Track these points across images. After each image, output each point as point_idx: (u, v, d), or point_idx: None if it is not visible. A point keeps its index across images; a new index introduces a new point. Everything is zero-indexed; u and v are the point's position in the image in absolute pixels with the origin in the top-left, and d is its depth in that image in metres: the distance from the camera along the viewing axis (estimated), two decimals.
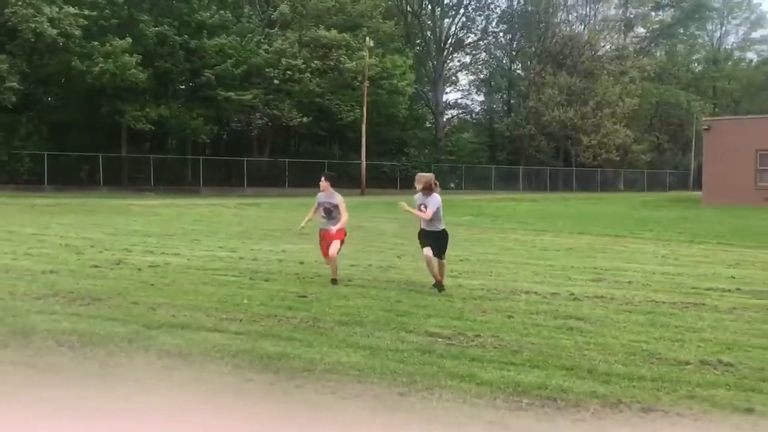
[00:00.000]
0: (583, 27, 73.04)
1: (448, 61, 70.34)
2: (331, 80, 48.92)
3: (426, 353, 6.39)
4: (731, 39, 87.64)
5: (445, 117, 71.73)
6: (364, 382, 5.59)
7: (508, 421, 4.91)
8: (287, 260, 12.50)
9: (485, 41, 72.30)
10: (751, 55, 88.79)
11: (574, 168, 67.97)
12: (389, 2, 59.94)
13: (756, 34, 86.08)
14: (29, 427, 4.85)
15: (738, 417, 5.00)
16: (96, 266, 11.33)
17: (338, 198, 10.18)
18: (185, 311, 8.00)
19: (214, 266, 11.60)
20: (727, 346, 6.81)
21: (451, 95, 75.75)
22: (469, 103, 75.90)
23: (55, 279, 10.06)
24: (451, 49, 69.20)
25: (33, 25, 38.43)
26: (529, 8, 68.90)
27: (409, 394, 5.35)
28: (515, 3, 70.44)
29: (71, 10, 39.73)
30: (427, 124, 69.12)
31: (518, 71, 72.99)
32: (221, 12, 46.96)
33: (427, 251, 9.43)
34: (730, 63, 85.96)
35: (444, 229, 9.64)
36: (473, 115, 76.27)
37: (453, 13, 68.14)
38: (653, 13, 78.06)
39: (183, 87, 50.15)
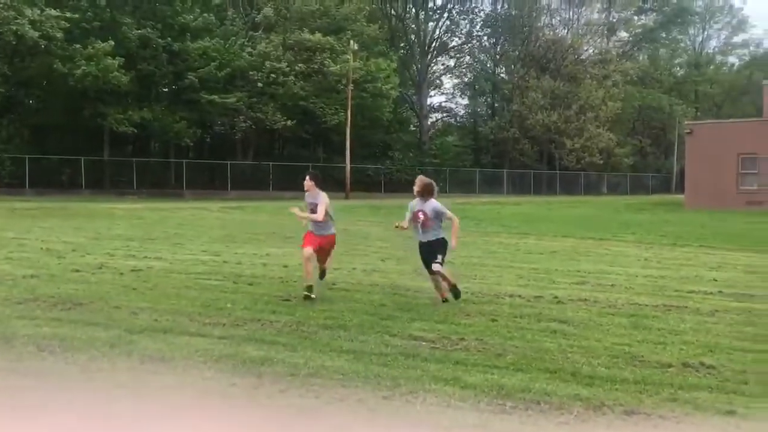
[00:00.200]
0: (566, 31, 73.43)
1: (433, 64, 70.46)
2: (315, 83, 48.88)
3: (410, 357, 6.39)
4: (713, 43, 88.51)
5: (430, 120, 71.78)
6: (348, 387, 5.59)
7: (492, 424, 4.92)
8: (271, 264, 12.47)
9: (469, 45, 72.46)
10: (732, 59, 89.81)
11: (557, 171, 68.22)
12: (373, 6, 59.98)
13: (738, 39, 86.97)
14: None
15: (720, 419, 5.03)
16: (77, 270, 11.25)
17: (321, 197, 9.28)
18: (168, 316, 7.96)
19: (198, 270, 11.55)
20: (709, 348, 6.85)
21: (435, 98, 75.96)
22: (453, 106, 76.12)
23: (36, 283, 9.98)
24: (435, 52, 69.32)
25: (14, 28, 38.18)
26: (513, 12, 69.18)
27: (393, 398, 5.35)
28: (499, 7, 70.77)
29: (53, 12, 39.50)
30: (412, 128, 69.18)
31: (502, 75, 73.24)
32: (205, 15, 46.81)
33: (436, 267, 8.61)
34: (712, 67, 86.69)
35: (444, 238, 8.80)
36: (457, 118, 76.46)
37: (437, 16, 68.29)
38: (636, 18, 78.57)
39: (166, 90, 49.90)
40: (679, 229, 23.01)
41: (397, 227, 9.02)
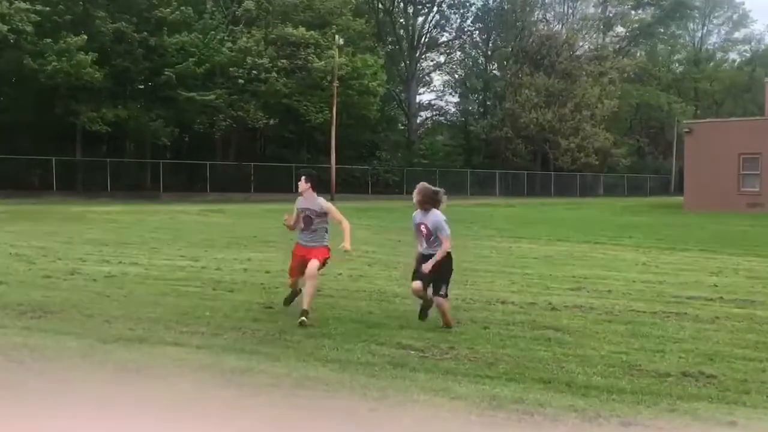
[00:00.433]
0: (561, 26, 73.73)
1: (422, 60, 70.63)
2: (298, 80, 48.87)
3: (398, 366, 6.39)
4: (713, 39, 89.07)
5: (419, 119, 71.94)
6: (333, 398, 5.58)
7: None
8: (252, 270, 12.45)
9: (460, 40, 72.70)
10: (733, 55, 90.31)
11: (552, 172, 68.44)
12: None
13: (739, 34, 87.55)
14: None
15: (721, 431, 5.06)
16: (48, 277, 11.20)
17: (324, 204, 8.35)
18: (143, 324, 7.93)
19: (175, 276, 11.52)
20: (710, 357, 6.88)
21: (424, 96, 76.01)
22: (443, 104, 76.27)
23: (4, 290, 9.92)
24: (424, 48, 69.46)
25: None
26: (506, 6, 69.40)
27: (380, 410, 5.34)
28: (491, 1, 71.01)
29: (22, 5, 39.31)
30: (400, 126, 69.27)
31: (494, 71, 73.45)
32: (182, 8, 46.64)
33: (415, 284, 7.91)
34: (712, 64, 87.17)
35: (448, 252, 7.95)
36: (448, 116, 76.60)
37: (426, 10, 68.39)
38: (633, 12, 78.96)
39: (142, 87, 49.74)
40: (678, 232, 23.13)
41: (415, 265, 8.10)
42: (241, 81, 46.87)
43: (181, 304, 9.14)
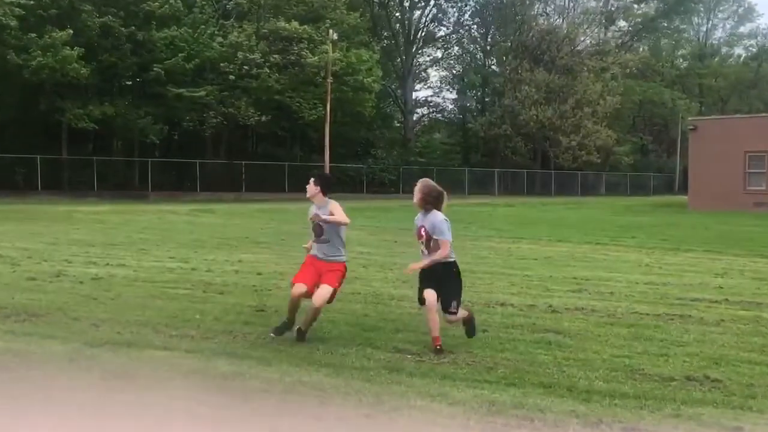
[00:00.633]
0: (561, 20, 73.86)
1: (418, 55, 70.68)
2: (291, 76, 48.85)
3: (394, 371, 6.39)
4: (718, 33, 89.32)
5: (415, 116, 72.03)
6: (327, 404, 5.57)
7: None
8: (244, 271, 12.44)
9: (458, 35, 72.81)
10: (739, 50, 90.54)
11: (552, 171, 68.56)
12: None
13: (744, 29, 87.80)
14: None
15: None
16: (33, 279, 11.18)
17: (335, 207, 7.45)
18: (131, 328, 7.92)
19: (164, 278, 11.51)
20: (715, 360, 6.89)
21: (421, 93, 76.40)
22: (440, 101, 76.38)
23: None
24: (421, 43, 69.52)
25: None
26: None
27: (375, 416, 5.34)
28: None
29: None
30: (396, 124, 69.34)
31: (493, 67, 73.54)
32: (171, 1, 46.66)
33: (429, 294, 7.08)
34: (717, 59, 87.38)
35: (453, 261, 7.26)
36: (445, 113, 76.70)
37: (423, 4, 68.52)
38: (636, 6, 79.07)
39: (129, 83, 49.72)
40: (683, 232, 23.16)
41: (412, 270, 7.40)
42: (232, 77, 46.86)
43: (170, 306, 9.13)
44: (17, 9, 39.63)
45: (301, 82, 49.41)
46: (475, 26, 72.60)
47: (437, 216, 7.20)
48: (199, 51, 46.30)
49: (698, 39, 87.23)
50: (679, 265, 14.45)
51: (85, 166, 47.85)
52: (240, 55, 46.79)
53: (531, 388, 5.96)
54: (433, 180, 7.49)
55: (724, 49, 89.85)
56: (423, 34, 69.06)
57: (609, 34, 77.20)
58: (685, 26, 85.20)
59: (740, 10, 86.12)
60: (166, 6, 46.23)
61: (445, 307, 7.13)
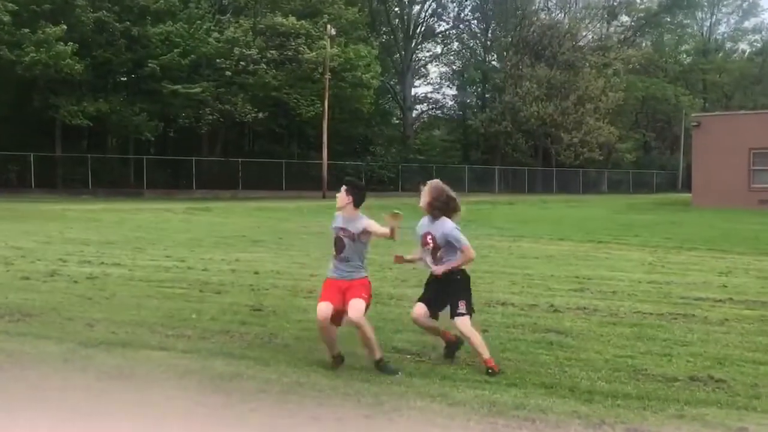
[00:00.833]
0: (563, 15, 73.77)
1: (417, 51, 70.63)
2: (288, 72, 48.79)
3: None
4: (722, 28, 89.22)
5: (414, 112, 71.96)
6: (325, 405, 5.58)
7: None
8: (241, 270, 12.44)
9: (458, 30, 72.74)
10: (743, 45, 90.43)
11: (554, 168, 68.55)
12: None
13: (749, 23, 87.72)
14: None
15: None
16: (27, 278, 11.18)
17: (369, 222, 6.64)
18: (127, 327, 7.92)
19: (160, 277, 11.51)
20: (719, 360, 6.90)
21: (420, 89, 76.38)
22: (440, 97, 76.31)
23: None
24: (420, 38, 69.47)
25: None
26: None
27: (375, 417, 5.35)
28: None
29: None
30: (395, 120, 69.29)
31: (493, 63, 73.42)
32: None
33: (418, 308, 6.76)
34: (721, 54, 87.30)
35: (463, 271, 6.83)
36: (445, 110, 76.61)
37: None
38: (638, 0, 79.03)
39: (124, 79, 49.68)
40: (686, 230, 23.17)
41: (398, 260, 7.13)
42: (228, 73, 46.80)
43: (166, 306, 9.13)
44: (10, 4, 39.59)
45: (299, 79, 49.35)
46: (476, 21, 72.57)
47: (446, 224, 6.68)
48: (194, 47, 46.23)
49: (702, 34, 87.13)
50: (683, 263, 14.46)
51: (80, 163, 47.84)
52: (236, 50, 46.74)
53: (532, 388, 5.97)
54: (433, 177, 7.25)
55: (728, 45, 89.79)
56: (422, 29, 69.03)
57: (611, 29, 77.13)
58: (688, 21, 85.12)
59: (744, 5, 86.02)
60: (162, 1, 46.18)
61: (453, 312, 6.58)
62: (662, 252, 16.61)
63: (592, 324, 8.43)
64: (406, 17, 67.43)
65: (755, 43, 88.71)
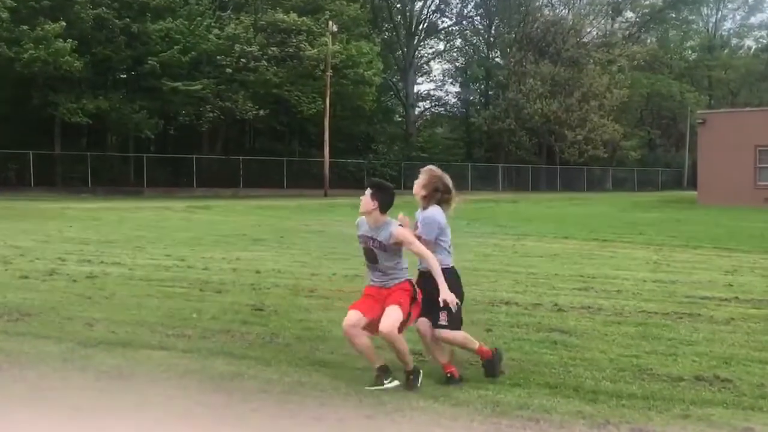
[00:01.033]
0: (567, 11, 73.67)
1: (420, 48, 70.61)
2: (290, 69, 48.78)
3: (396, 371, 6.38)
4: (728, 25, 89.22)
5: (417, 110, 71.99)
6: (327, 405, 5.57)
7: None
8: (241, 269, 12.43)
9: (461, 26, 72.71)
10: (749, 42, 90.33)
11: (558, 166, 68.51)
12: None
13: (755, 20, 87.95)
14: None
15: None
16: (25, 277, 11.18)
17: (398, 234, 5.89)
18: (126, 327, 7.92)
19: (160, 276, 11.51)
20: (725, 360, 6.89)
21: (423, 86, 76.32)
22: (443, 94, 76.32)
23: None
24: (423, 34, 69.44)
25: None
26: None
27: (377, 417, 5.34)
28: None
29: None
30: (397, 118, 69.28)
31: (497, 59, 73.41)
32: None
33: (421, 322, 6.10)
34: (726, 51, 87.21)
35: (452, 268, 6.21)
36: (447, 107, 76.62)
37: None
38: None
39: (124, 76, 49.69)
40: (692, 228, 23.15)
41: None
42: (229, 70, 46.79)
43: (166, 305, 9.13)
44: (9, 0, 39.59)
45: (300, 76, 49.34)
46: (479, 17, 72.52)
47: (432, 211, 6.08)
48: (195, 43, 46.21)
49: (707, 30, 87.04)
50: (688, 262, 14.45)
51: (79, 161, 47.86)
52: (237, 47, 46.73)
53: (536, 388, 5.96)
54: None
55: (733, 41, 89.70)
56: (425, 25, 69.00)
57: (616, 26, 77.06)
58: (693, 17, 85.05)
59: (750, 1, 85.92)
60: None
61: (434, 322, 6.01)
62: (667, 250, 16.60)
63: (597, 323, 8.42)
64: (408, 13, 67.39)
65: (761, 40, 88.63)
